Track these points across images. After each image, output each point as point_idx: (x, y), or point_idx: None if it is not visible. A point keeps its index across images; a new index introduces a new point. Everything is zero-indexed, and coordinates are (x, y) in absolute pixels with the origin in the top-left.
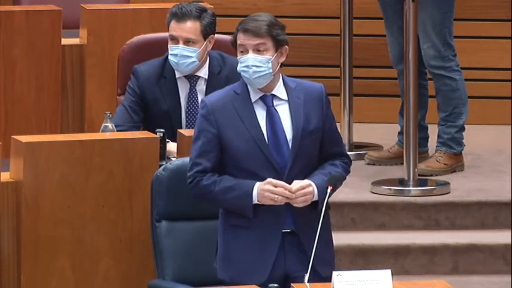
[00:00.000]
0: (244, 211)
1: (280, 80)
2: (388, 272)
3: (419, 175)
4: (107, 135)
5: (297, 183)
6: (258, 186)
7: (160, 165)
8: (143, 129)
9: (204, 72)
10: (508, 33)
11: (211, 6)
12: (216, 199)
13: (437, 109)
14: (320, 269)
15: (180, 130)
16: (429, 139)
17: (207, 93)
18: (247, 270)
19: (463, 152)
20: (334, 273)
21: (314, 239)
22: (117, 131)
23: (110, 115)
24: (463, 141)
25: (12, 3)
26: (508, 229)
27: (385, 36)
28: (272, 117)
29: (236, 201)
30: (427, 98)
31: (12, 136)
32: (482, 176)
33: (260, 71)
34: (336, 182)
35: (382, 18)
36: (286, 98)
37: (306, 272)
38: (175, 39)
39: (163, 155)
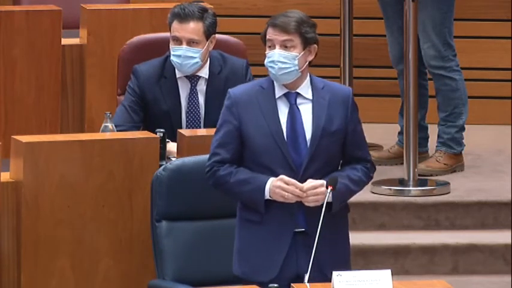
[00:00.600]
0: (257, 206)
1: (308, 79)
2: (388, 272)
3: (419, 175)
4: (107, 135)
5: (309, 183)
6: (270, 181)
7: (160, 165)
8: (143, 129)
9: (204, 72)
10: (508, 33)
11: (211, 6)
12: (231, 191)
13: (437, 109)
14: (328, 272)
15: (180, 130)
16: (429, 139)
17: (207, 93)
18: (258, 266)
19: (463, 152)
20: (334, 273)
21: (327, 240)
22: (117, 131)
23: (110, 115)
24: (463, 141)
25: (12, 3)
26: (508, 229)
27: (385, 36)
28: (293, 115)
29: (249, 195)
30: (427, 98)
31: (12, 136)
32: (482, 176)
33: (286, 68)
34: (337, 183)
35: (382, 18)
36: (311, 98)
37: (318, 273)
38: (178, 40)
39: (163, 155)
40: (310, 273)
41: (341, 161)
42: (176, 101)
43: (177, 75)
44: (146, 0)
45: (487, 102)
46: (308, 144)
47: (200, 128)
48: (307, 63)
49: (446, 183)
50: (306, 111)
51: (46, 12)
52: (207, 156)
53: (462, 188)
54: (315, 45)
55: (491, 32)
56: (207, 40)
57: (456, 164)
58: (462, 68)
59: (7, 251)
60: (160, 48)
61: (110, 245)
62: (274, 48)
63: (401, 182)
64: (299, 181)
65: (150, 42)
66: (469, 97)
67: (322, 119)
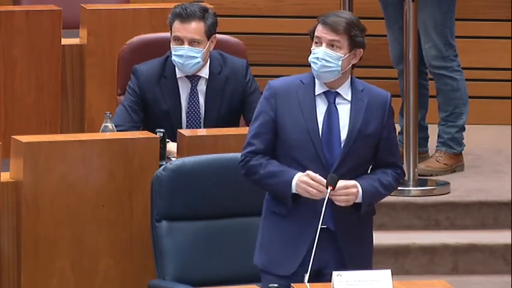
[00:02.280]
0: (284, 199)
1: (348, 80)
2: (388, 272)
3: (419, 175)
4: (107, 135)
5: (341, 182)
6: (298, 176)
7: (160, 165)
8: (143, 129)
9: (205, 72)
10: (508, 33)
11: (211, 6)
12: (260, 182)
13: (438, 109)
14: (352, 270)
15: (180, 130)
16: (429, 139)
17: (207, 93)
18: (278, 259)
19: (463, 152)
20: (334, 273)
21: (352, 238)
22: (117, 131)
23: (110, 115)
24: (463, 141)
25: (12, 3)
26: (508, 229)
27: (385, 36)
28: (331, 114)
29: (277, 188)
30: (428, 98)
31: (12, 136)
32: (482, 176)
33: (328, 66)
34: (337, 183)
35: (382, 18)
36: (350, 99)
37: (339, 270)
38: (179, 40)
39: (163, 155)
40: (332, 269)
41: (372, 165)
42: (176, 101)
43: (178, 75)
44: (146, 0)
45: (487, 102)
46: (342, 144)
47: (200, 128)
48: (350, 65)
49: (446, 183)
50: (343, 112)
51: (46, 12)
52: (207, 156)
53: (462, 188)
54: (361, 50)
55: (491, 32)
56: (208, 40)
57: (456, 164)
58: (462, 68)
59: (7, 251)
60: (160, 48)
61: (110, 245)
62: (321, 45)
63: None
64: None
65: (150, 42)
66: (469, 97)
67: (359, 121)
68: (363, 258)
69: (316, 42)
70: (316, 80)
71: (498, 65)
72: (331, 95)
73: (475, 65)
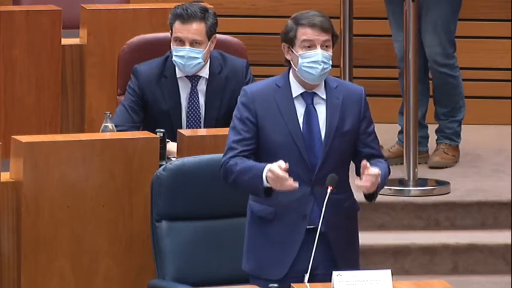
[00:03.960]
0: (257, 192)
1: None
2: (388, 272)
3: (432, 167)
4: (107, 135)
5: (374, 169)
6: (267, 167)
7: (160, 165)
8: (143, 129)
9: (205, 72)
10: (508, 33)
11: (211, 6)
12: (235, 181)
13: (436, 104)
14: (343, 269)
15: (180, 130)
16: (429, 139)
17: (207, 93)
18: (267, 264)
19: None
20: (334, 273)
21: (341, 238)
22: (117, 131)
23: (110, 115)
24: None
25: (12, 3)
26: (508, 229)
27: (385, 36)
28: (309, 115)
29: (250, 183)
30: (429, 97)
31: (12, 136)
32: (482, 176)
33: (326, 68)
34: (337, 183)
35: (382, 18)
36: (325, 98)
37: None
38: (180, 41)
39: (163, 155)
40: (324, 269)
41: (356, 161)
42: (176, 101)
43: (178, 75)
44: (146, 0)
45: (487, 102)
46: (323, 144)
47: (200, 127)
48: None
49: (446, 183)
50: (321, 111)
51: (46, 12)
52: (207, 156)
53: (462, 188)
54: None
55: (491, 32)
56: (209, 40)
57: (459, 155)
58: (462, 68)
59: (7, 251)
60: (160, 48)
61: (110, 245)
62: (315, 48)
63: (401, 182)
64: (314, 180)
65: (150, 42)
66: (469, 97)
67: (336, 119)
68: (352, 257)
69: (309, 46)
70: (291, 82)
71: (498, 65)
72: (308, 96)
73: (475, 65)
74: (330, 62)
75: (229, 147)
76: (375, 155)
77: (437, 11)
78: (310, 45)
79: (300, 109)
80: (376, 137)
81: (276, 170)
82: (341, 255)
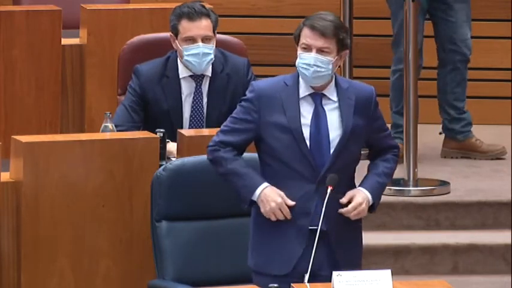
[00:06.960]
0: (241, 201)
1: (333, 80)
2: (388, 272)
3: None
4: (107, 135)
5: (352, 204)
6: (263, 186)
7: (160, 165)
8: (143, 129)
9: (208, 71)
10: (508, 33)
11: (211, 6)
12: (224, 176)
13: (457, 100)
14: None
15: (180, 130)
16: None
17: (209, 91)
18: (271, 261)
19: None
20: (334, 273)
21: (344, 239)
22: (117, 131)
23: (110, 115)
24: None
25: (12, 3)
26: (508, 229)
27: (385, 36)
28: (318, 116)
29: (239, 190)
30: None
31: (12, 136)
32: (482, 176)
33: (320, 71)
34: (337, 183)
35: (382, 18)
36: (336, 99)
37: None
38: (191, 40)
39: (163, 155)
40: (326, 270)
41: (371, 154)
42: (177, 101)
43: (181, 76)
44: (146, 0)
45: (487, 102)
46: (333, 145)
47: (203, 127)
48: (337, 67)
49: (446, 183)
50: (331, 113)
51: (46, 12)
52: (207, 156)
53: (462, 188)
54: (347, 51)
55: (491, 32)
56: (215, 36)
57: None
58: None
59: (7, 251)
60: (160, 48)
61: (110, 245)
62: (311, 50)
63: (401, 182)
64: (319, 180)
65: (150, 42)
66: (469, 97)
67: (350, 120)
68: (354, 258)
69: (305, 48)
70: (300, 82)
71: (498, 65)
72: (317, 97)
73: (475, 65)
74: (328, 66)
75: (221, 131)
76: (390, 147)
77: (465, 5)
78: (307, 48)
79: (308, 109)
80: (387, 129)
81: (283, 207)
82: (343, 257)
